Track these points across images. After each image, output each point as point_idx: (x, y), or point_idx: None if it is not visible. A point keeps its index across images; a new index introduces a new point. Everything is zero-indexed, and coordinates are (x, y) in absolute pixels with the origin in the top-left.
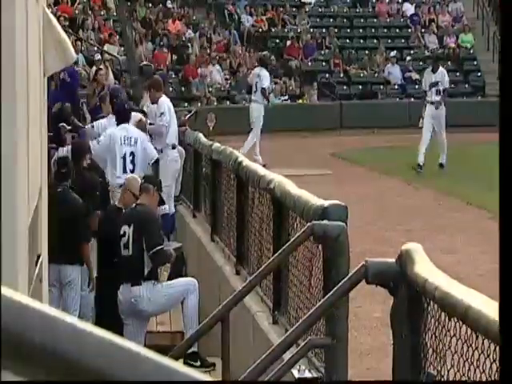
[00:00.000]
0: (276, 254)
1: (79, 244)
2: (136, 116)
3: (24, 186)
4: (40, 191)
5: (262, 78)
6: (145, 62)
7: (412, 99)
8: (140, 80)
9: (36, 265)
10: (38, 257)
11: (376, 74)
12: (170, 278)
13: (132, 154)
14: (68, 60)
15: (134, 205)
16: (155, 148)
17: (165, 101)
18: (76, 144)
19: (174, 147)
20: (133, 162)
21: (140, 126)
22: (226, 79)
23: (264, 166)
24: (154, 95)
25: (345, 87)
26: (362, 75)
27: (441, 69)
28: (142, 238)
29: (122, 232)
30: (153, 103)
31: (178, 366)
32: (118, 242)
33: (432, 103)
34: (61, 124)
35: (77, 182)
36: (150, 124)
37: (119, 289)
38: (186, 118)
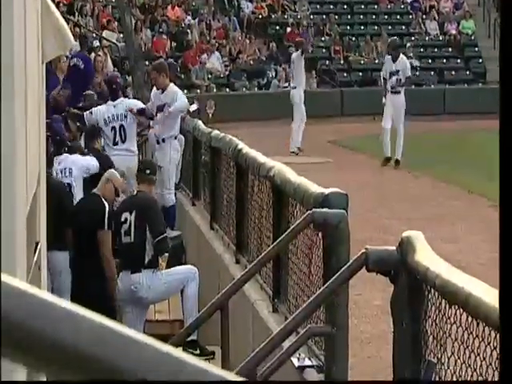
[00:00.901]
0: (276, 242)
1: (66, 230)
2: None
3: (23, 173)
4: (39, 178)
5: (297, 63)
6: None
7: (412, 86)
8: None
9: (35, 252)
10: (37, 244)
11: (376, 61)
12: (168, 267)
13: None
14: (66, 46)
15: (134, 191)
16: (157, 139)
17: (177, 89)
18: (88, 127)
19: (175, 137)
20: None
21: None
22: (226, 66)
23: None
24: (162, 81)
25: (345, 74)
26: (362, 62)
27: (401, 57)
28: (145, 225)
29: (122, 219)
30: (158, 89)
31: (182, 354)
32: (118, 228)
33: (392, 89)
34: (67, 110)
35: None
36: (152, 111)
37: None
38: (191, 110)
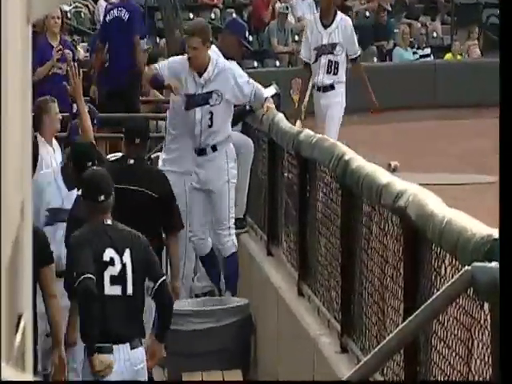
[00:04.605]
0: (410, 319)
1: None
2: None
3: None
4: (22, 208)
5: None
6: None
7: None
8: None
9: (16, 330)
10: (20, 318)
11: None
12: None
13: None
14: None
15: (107, 221)
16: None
17: (224, 60)
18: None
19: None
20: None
21: None
22: None
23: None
24: (204, 57)
25: None
26: None
27: (340, 17)
28: (144, 272)
29: (105, 258)
30: (196, 70)
31: None
32: (99, 270)
33: (319, 89)
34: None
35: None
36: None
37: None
38: (268, 96)
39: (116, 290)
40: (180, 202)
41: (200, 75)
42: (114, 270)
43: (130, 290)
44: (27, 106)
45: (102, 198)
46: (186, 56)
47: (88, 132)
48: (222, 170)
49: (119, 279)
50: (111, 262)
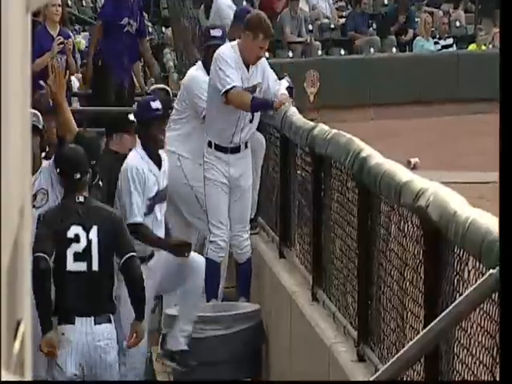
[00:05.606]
0: (431, 325)
1: None
2: None
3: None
4: (22, 209)
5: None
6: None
7: None
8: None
9: (15, 338)
10: (18, 324)
11: None
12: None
13: None
14: None
15: (80, 198)
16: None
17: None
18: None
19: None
20: None
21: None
22: (339, 10)
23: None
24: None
25: None
26: None
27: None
28: (113, 249)
29: (70, 235)
30: (248, 64)
31: None
32: (61, 249)
33: None
34: None
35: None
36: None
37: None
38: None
39: (80, 267)
40: (176, 184)
41: (248, 69)
42: (79, 246)
43: (95, 267)
44: (27, 102)
45: (78, 176)
46: (229, 49)
47: (69, 124)
48: (250, 169)
49: (84, 255)
50: (76, 238)
